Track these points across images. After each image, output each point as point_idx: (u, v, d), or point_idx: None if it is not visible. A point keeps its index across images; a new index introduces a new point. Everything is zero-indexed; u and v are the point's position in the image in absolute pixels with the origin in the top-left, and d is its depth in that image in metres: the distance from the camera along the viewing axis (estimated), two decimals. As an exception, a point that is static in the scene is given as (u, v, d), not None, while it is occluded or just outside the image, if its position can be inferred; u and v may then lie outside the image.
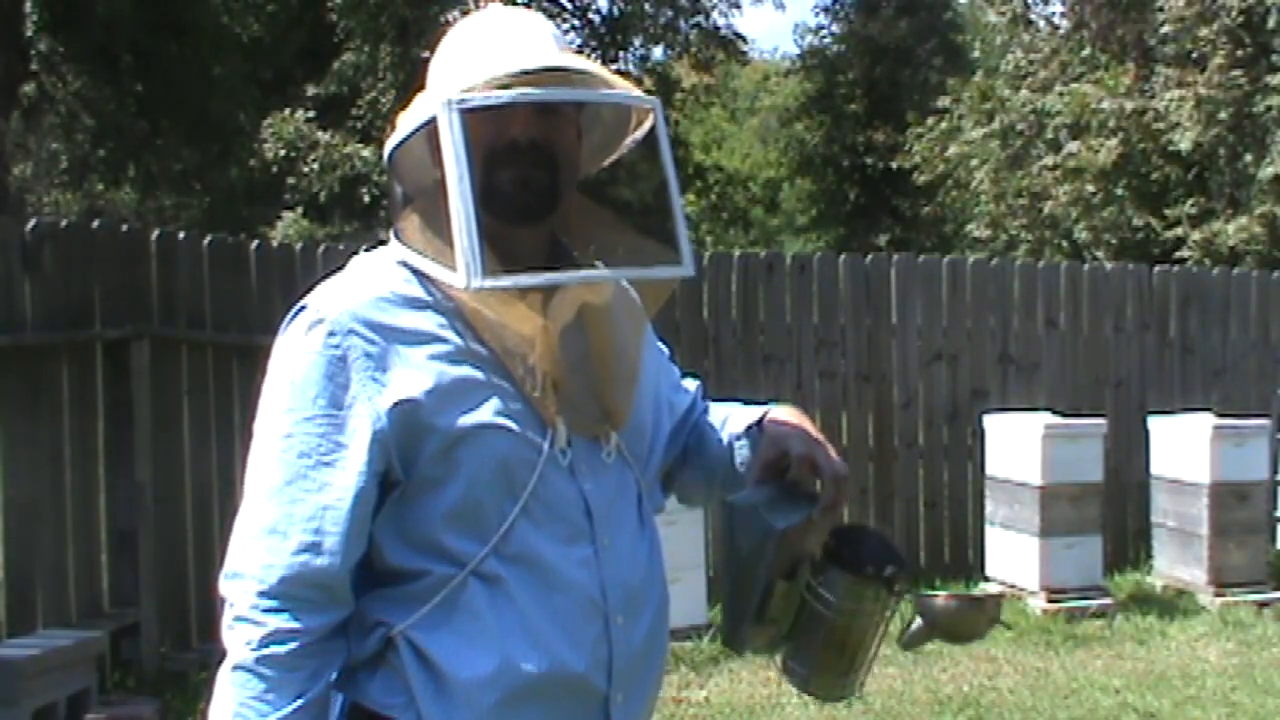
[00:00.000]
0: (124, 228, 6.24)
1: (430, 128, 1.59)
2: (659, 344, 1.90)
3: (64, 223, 6.26)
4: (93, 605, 5.52)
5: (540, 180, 1.63)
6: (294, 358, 1.58)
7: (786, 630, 1.68)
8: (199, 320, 5.89)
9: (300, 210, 17.31)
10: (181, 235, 6.05)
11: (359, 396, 1.56)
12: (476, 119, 1.56)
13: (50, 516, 5.35)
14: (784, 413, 1.80)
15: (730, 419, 1.87)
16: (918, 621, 1.71)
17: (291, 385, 1.58)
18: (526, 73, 1.59)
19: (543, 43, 1.66)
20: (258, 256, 6.15)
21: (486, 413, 1.57)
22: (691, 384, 1.96)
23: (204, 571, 5.61)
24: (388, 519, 1.59)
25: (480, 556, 1.57)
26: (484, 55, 1.63)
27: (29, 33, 15.58)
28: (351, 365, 1.56)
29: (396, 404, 1.55)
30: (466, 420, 1.56)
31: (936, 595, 1.71)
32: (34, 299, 5.36)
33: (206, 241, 6.03)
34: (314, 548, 1.54)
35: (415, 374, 1.56)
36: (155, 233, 5.94)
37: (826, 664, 1.67)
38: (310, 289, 1.64)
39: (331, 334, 1.56)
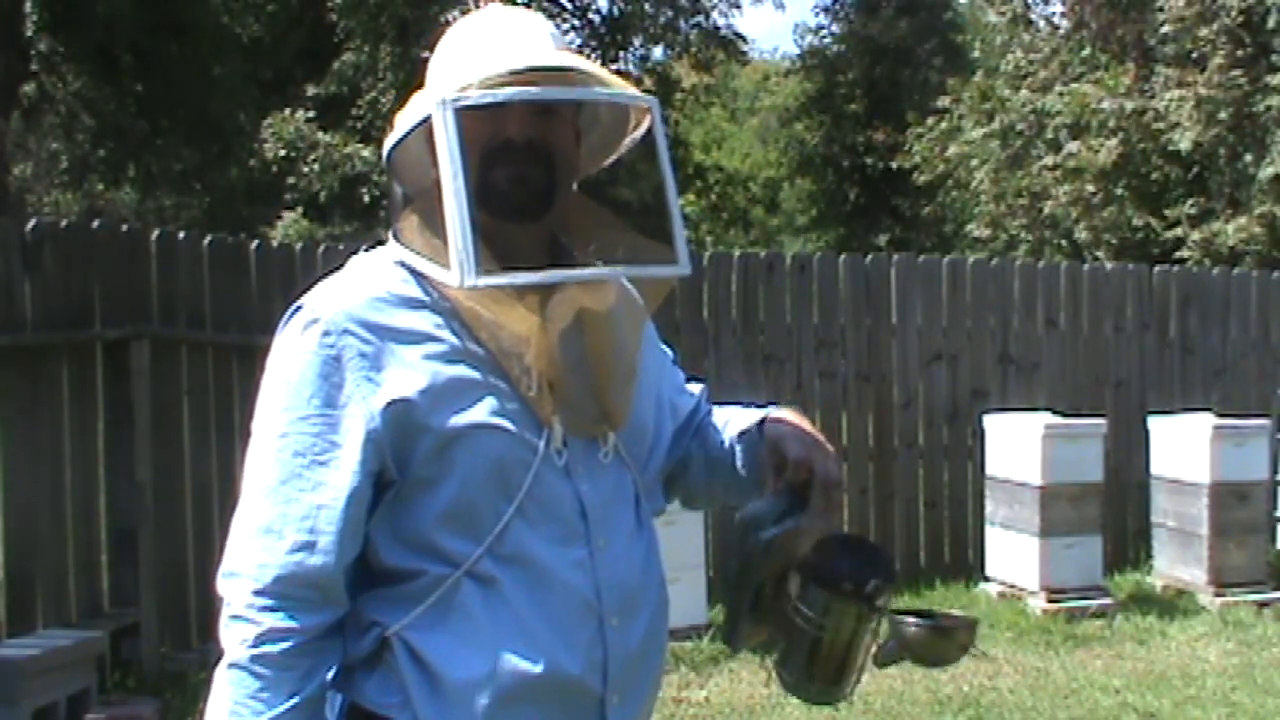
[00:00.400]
0: (124, 228, 6.24)
1: (426, 127, 1.58)
2: (663, 346, 1.90)
3: (64, 223, 6.26)
4: (93, 605, 5.52)
5: (537, 179, 1.63)
6: (289, 357, 1.58)
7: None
8: (199, 320, 5.89)
9: (300, 210, 17.30)
10: (181, 235, 6.05)
11: (353, 396, 1.56)
12: (472, 118, 1.56)
13: (50, 516, 5.35)
14: (784, 414, 1.79)
15: (731, 422, 1.87)
16: (891, 642, 1.72)
17: (287, 385, 1.58)
18: (523, 71, 1.59)
19: (540, 42, 1.66)
20: (258, 256, 6.15)
21: (481, 412, 1.57)
22: (696, 388, 1.96)
23: (204, 571, 5.60)
24: (383, 519, 1.59)
25: (475, 557, 1.57)
26: (480, 54, 1.63)
27: (29, 33, 15.58)
28: (346, 365, 1.56)
29: (390, 403, 1.55)
30: (461, 420, 1.56)
31: (909, 619, 1.71)
32: (34, 299, 5.36)
33: (206, 241, 6.03)
34: (308, 547, 1.54)
35: (410, 373, 1.56)
36: (155, 233, 5.95)
37: (813, 673, 1.68)
38: (309, 289, 1.64)
39: (326, 334, 1.56)
